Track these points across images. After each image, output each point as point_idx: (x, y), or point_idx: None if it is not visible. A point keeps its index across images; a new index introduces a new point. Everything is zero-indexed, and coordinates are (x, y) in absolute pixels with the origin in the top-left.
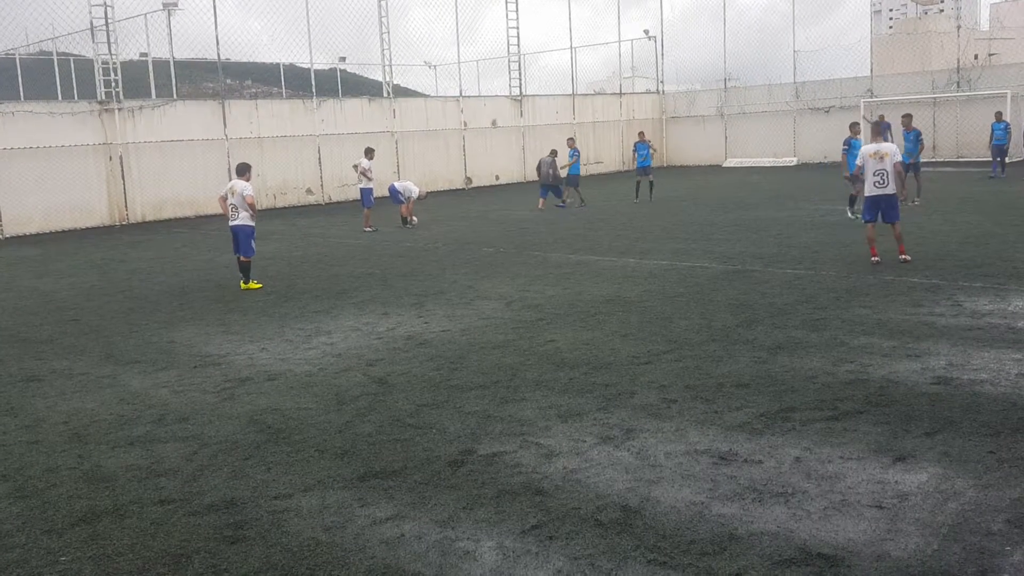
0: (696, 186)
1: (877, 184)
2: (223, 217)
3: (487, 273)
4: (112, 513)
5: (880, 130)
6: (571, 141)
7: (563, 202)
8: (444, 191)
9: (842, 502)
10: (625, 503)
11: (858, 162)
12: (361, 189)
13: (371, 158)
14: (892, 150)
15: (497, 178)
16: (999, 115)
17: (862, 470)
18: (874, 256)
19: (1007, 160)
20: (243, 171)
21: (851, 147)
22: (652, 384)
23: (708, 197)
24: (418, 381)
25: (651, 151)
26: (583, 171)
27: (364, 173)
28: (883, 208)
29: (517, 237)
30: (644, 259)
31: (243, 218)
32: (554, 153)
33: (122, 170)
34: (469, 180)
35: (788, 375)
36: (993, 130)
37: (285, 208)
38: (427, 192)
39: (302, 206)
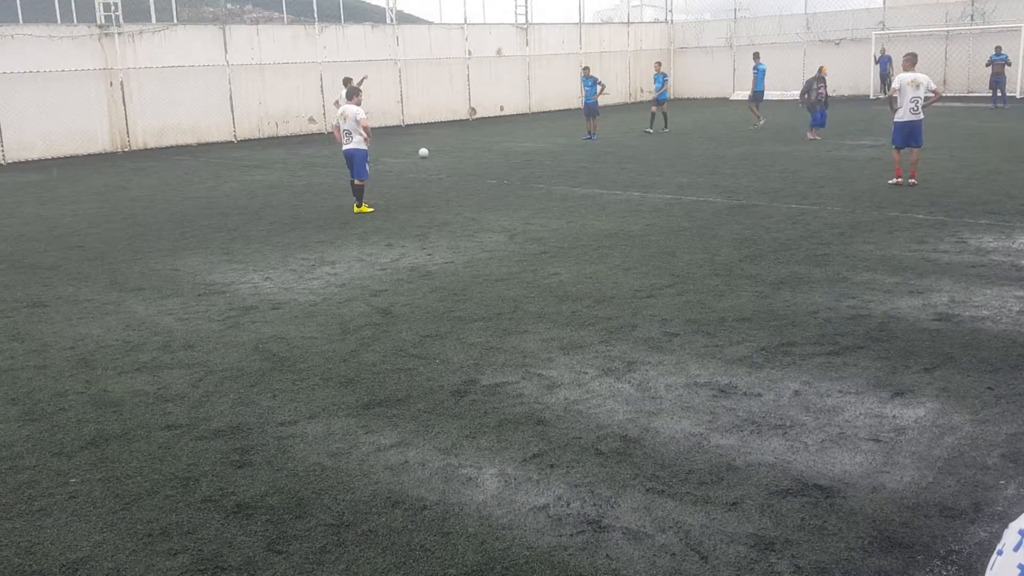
0: (703, 119)
1: (912, 110)
2: (224, 145)
3: (491, 206)
4: (120, 437)
5: (913, 61)
6: (586, 70)
7: (589, 133)
8: (448, 122)
9: (839, 435)
10: (625, 433)
11: (896, 87)
12: None
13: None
14: (926, 80)
15: (502, 109)
16: (999, 49)
17: (860, 404)
18: (898, 178)
19: (1006, 93)
20: (352, 95)
21: None
22: (654, 318)
23: (715, 130)
24: (422, 312)
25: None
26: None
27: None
28: (911, 132)
29: (521, 169)
30: (649, 193)
31: (357, 142)
32: (821, 80)
33: (123, 96)
34: (473, 111)
35: (790, 310)
36: (992, 62)
37: (287, 137)
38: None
39: (304, 135)
